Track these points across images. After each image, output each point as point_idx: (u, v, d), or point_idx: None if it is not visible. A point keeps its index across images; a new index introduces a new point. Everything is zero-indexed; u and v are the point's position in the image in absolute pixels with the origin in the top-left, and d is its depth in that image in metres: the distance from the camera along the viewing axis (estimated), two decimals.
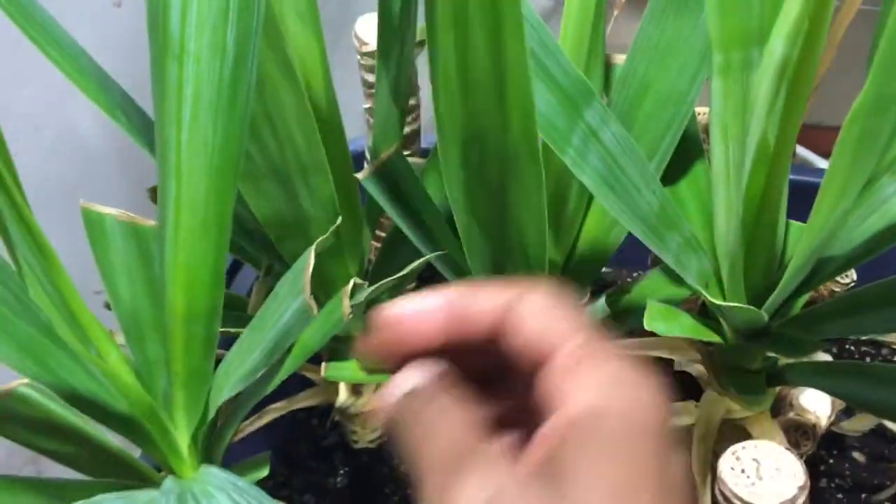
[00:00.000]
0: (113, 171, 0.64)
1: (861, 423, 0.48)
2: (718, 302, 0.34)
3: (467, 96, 0.31)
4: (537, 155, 0.31)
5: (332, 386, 0.51)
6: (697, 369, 0.47)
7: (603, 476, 0.18)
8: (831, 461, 0.56)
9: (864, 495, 0.54)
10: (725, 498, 0.33)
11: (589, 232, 0.45)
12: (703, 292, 0.38)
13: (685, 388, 0.49)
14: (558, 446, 0.19)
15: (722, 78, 0.34)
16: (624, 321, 0.47)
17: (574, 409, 0.19)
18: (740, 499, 0.33)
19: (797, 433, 0.51)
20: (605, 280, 0.70)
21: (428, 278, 0.70)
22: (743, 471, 0.33)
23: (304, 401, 0.51)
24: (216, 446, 0.41)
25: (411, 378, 0.21)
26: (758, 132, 0.29)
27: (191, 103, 0.32)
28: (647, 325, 0.37)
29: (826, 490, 0.54)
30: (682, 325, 0.39)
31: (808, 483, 0.33)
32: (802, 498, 0.33)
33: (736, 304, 0.35)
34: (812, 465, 0.56)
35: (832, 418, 0.49)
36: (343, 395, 0.50)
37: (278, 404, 0.51)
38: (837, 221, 0.29)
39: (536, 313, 0.21)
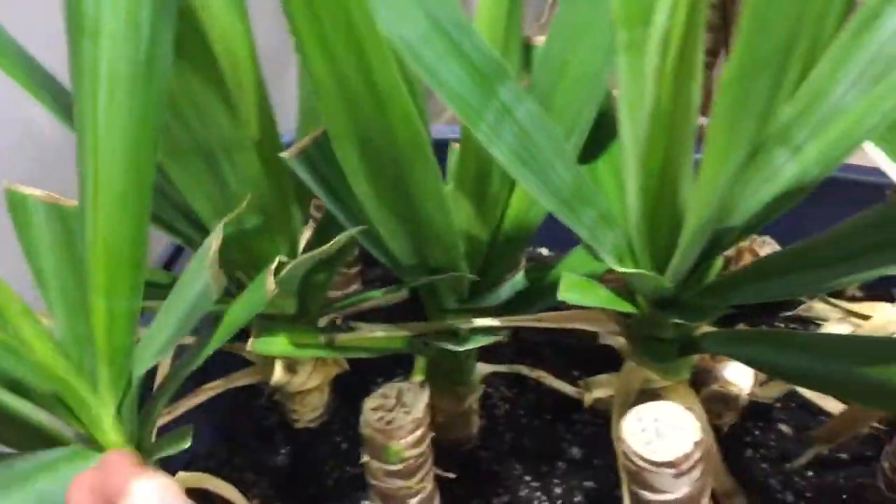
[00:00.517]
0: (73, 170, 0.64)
1: (774, 390, 0.50)
2: (620, 269, 0.36)
3: (349, 110, 0.33)
4: (428, 155, 0.33)
5: (269, 365, 0.52)
6: (619, 342, 0.48)
7: None
8: (757, 433, 0.58)
9: (787, 465, 0.56)
10: (627, 456, 0.35)
11: (514, 209, 0.46)
12: (616, 264, 0.39)
13: (608, 361, 0.50)
14: None
15: (626, 55, 0.35)
16: (547, 296, 0.48)
17: None
18: (639, 456, 0.34)
19: (719, 404, 0.53)
20: (544, 262, 0.71)
21: (372, 263, 0.72)
22: (644, 430, 0.35)
23: (240, 380, 0.52)
24: (146, 422, 0.42)
25: None
26: (650, 102, 0.30)
27: (106, 80, 0.33)
28: (561, 295, 0.38)
29: (752, 460, 0.56)
30: (597, 296, 0.40)
31: (705, 439, 0.35)
32: (698, 453, 0.34)
33: (637, 271, 0.36)
34: (738, 436, 0.58)
35: (754, 390, 0.50)
36: (278, 373, 0.50)
37: (214, 383, 0.52)
38: (725, 188, 0.31)
39: None
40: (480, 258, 0.47)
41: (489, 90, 0.36)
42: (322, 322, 0.52)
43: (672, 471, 0.34)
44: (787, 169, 0.34)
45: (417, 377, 0.39)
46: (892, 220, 0.32)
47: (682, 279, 0.39)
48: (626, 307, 0.41)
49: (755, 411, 0.59)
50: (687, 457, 0.34)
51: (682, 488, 0.35)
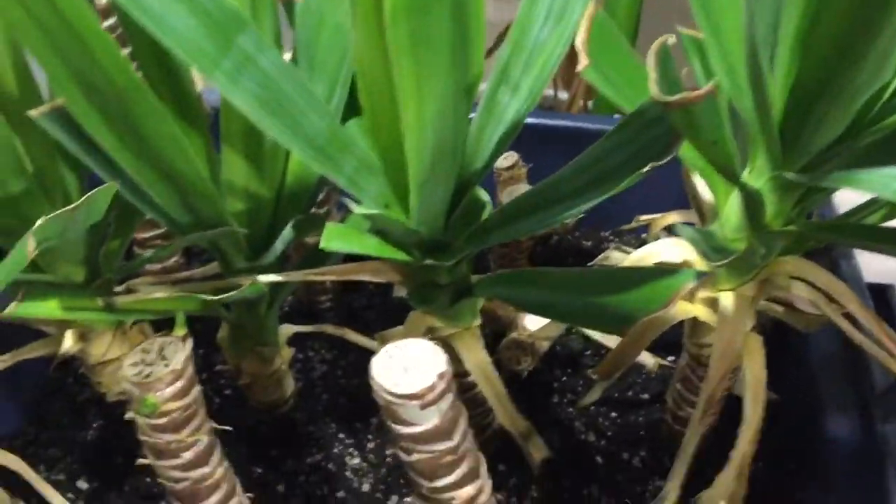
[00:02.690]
0: None
1: (547, 331, 0.52)
2: (359, 210, 0.37)
3: (51, 47, 0.32)
4: (145, 91, 0.33)
5: (63, 336, 0.51)
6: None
7: None
8: (565, 379, 0.60)
9: (592, 408, 0.59)
10: (376, 391, 0.36)
11: (294, 164, 0.47)
12: (381, 212, 0.40)
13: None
14: None
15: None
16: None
17: None
18: (384, 390, 0.35)
19: (518, 350, 0.55)
20: None
21: None
22: (393, 366, 0.36)
23: (30, 352, 0.51)
24: None
25: None
26: (356, 47, 0.31)
27: None
28: (323, 244, 0.39)
29: (558, 405, 0.59)
30: (363, 244, 0.41)
31: (450, 371, 0.36)
32: (442, 385, 0.35)
33: (376, 212, 0.37)
34: (546, 382, 0.60)
35: (533, 332, 0.52)
36: (67, 342, 0.49)
37: (2, 357, 0.50)
38: (441, 131, 0.32)
39: None
40: (267, 215, 0.47)
41: (226, 39, 0.36)
42: (119, 290, 0.52)
43: (417, 402, 0.35)
44: (511, 106, 0.35)
45: (179, 331, 0.39)
46: (596, 160, 0.34)
47: (441, 224, 0.40)
48: (397, 255, 0.42)
49: (564, 359, 0.62)
50: (430, 389, 0.35)
51: (431, 419, 0.36)
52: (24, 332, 0.54)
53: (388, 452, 0.55)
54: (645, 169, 0.31)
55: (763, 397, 0.44)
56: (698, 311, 0.44)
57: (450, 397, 0.36)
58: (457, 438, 0.38)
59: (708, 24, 0.36)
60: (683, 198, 0.58)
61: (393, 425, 0.37)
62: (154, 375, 0.37)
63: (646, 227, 0.69)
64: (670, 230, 0.64)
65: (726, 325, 0.41)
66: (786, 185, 0.36)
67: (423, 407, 0.35)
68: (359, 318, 0.65)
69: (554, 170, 0.39)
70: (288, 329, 0.54)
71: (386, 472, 0.55)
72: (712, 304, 0.43)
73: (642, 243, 0.71)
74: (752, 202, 0.37)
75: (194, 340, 0.63)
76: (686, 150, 0.39)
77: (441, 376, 0.35)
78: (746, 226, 0.39)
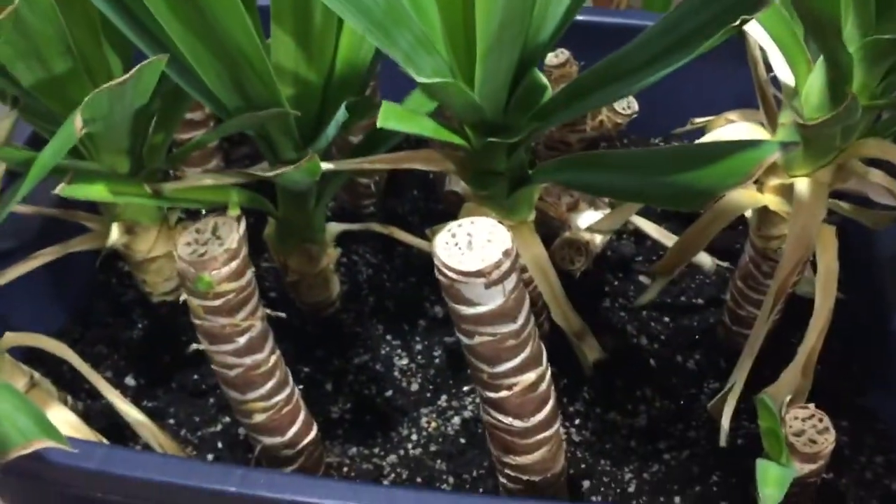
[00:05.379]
0: None
1: (606, 223, 0.50)
2: (421, 79, 0.35)
3: None
4: None
5: (109, 230, 0.50)
6: (463, 187, 0.48)
7: None
8: (616, 283, 0.59)
9: (644, 312, 0.57)
10: (439, 270, 0.35)
11: (344, 48, 0.45)
12: (445, 80, 0.38)
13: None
14: None
15: None
16: (386, 139, 0.48)
17: None
18: (449, 267, 0.34)
19: (571, 250, 0.54)
20: None
21: (238, 142, 0.69)
22: (457, 244, 0.35)
23: (77, 245, 0.50)
24: None
25: None
26: None
27: None
28: (380, 122, 0.37)
29: (609, 308, 0.57)
30: (420, 125, 0.39)
31: (515, 249, 0.34)
32: (507, 263, 0.34)
33: (440, 80, 0.35)
34: (597, 286, 0.59)
35: (591, 225, 0.51)
36: (115, 234, 0.49)
37: (50, 249, 0.49)
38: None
39: None
40: (315, 102, 0.46)
41: None
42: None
43: (481, 280, 0.34)
44: None
45: (233, 212, 0.38)
46: (675, 25, 0.32)
47: (502, 102, 0.38)
48: (453, 137, 0.41)
49: (614, 264, 0.60)
50: (496, 266, 0.34)
51: (496, 299, 0.35)
52: (69, 230, 0.53)
53: (435, 354, 0.55)
54: (736, 23, 0.29)
55: (834, 290, 0.42)
56: (769, 199, 0.42)
57: (514, 277, 0.35)
58: (520, 321, 0.36)
59: None
60: (738, 100, 0.56)
61: (455, 306, 0.36)
62: (209, 254, 0.36)
63: (700, 132, 0.67)
64: None
65: (801, 212, 0.40)
66: (877, 52, 0.34)
67: (488, 286, 0.34)
68: (403, 222, 0.64)
69: None
70: (335, 227, 0.53)
71: (434, 372, 0.54)
72: (784, 191, 0.41)
73: None
74: (838, 71, 0.35)
75: None
76: (765, 19, 0.37)
77: (506, 254, 0.34)
78: (829, 102, 0.36)
